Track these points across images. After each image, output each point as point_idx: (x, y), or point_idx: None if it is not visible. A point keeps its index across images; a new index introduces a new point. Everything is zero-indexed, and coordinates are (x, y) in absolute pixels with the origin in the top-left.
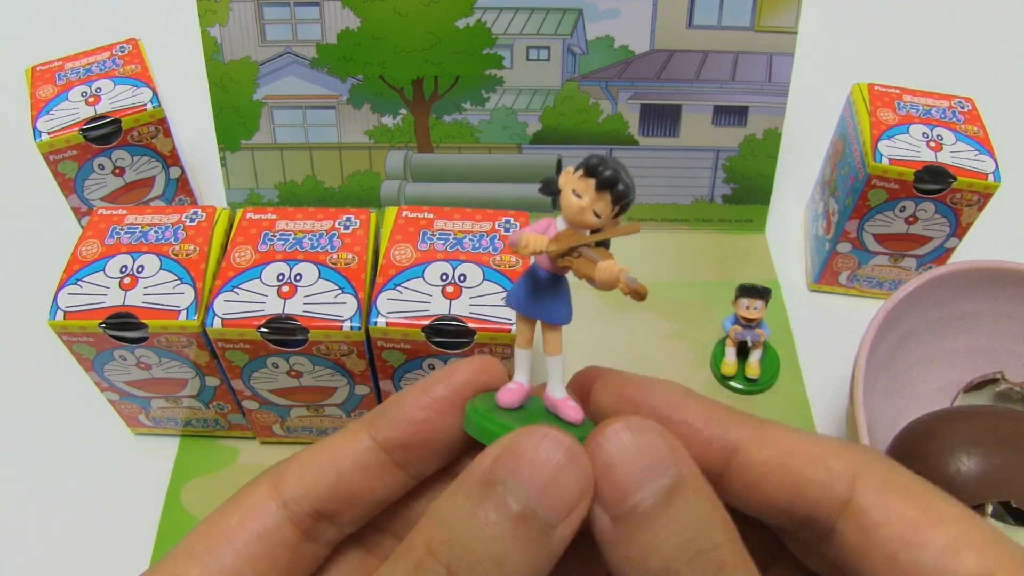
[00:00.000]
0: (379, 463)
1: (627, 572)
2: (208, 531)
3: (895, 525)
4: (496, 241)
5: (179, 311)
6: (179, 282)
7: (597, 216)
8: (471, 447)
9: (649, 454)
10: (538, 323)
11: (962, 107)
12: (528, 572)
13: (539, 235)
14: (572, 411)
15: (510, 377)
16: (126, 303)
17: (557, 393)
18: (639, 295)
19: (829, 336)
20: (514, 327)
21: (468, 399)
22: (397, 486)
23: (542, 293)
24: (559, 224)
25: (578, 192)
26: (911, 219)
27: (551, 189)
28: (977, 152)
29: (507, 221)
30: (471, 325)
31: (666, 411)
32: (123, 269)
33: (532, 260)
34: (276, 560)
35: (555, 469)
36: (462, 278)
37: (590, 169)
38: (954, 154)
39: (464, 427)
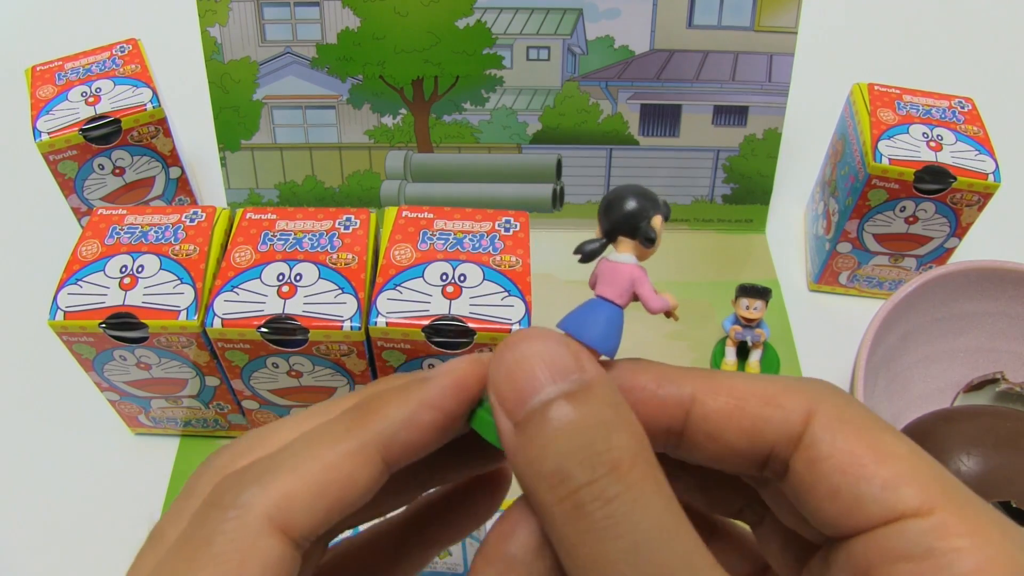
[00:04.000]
0: (380, 477)
1: (525, 477)
2: None
3: (839, 457)
4: (496, 241)
5: (179, 311)
6: (179, 282)
7: None
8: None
9: (550, 360)
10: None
11: (962, 107)
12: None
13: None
14: None
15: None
16: (126, 303)
17: None
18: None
19: (829, 336)
20: (515, 327)
21: (468, 400)
22: (382, 484)
23: (622, 329)
24: (632, 261)
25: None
26: (911, 219)
27: (645, 239)
28: (977, 152)
29: (507, 221)
30: (471, 325)
31: (618, 379)
32: (123, 269)
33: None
34: None
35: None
36: (462, 278)
37: (666, 216)
38: (954, 154)
39: (473, 426)
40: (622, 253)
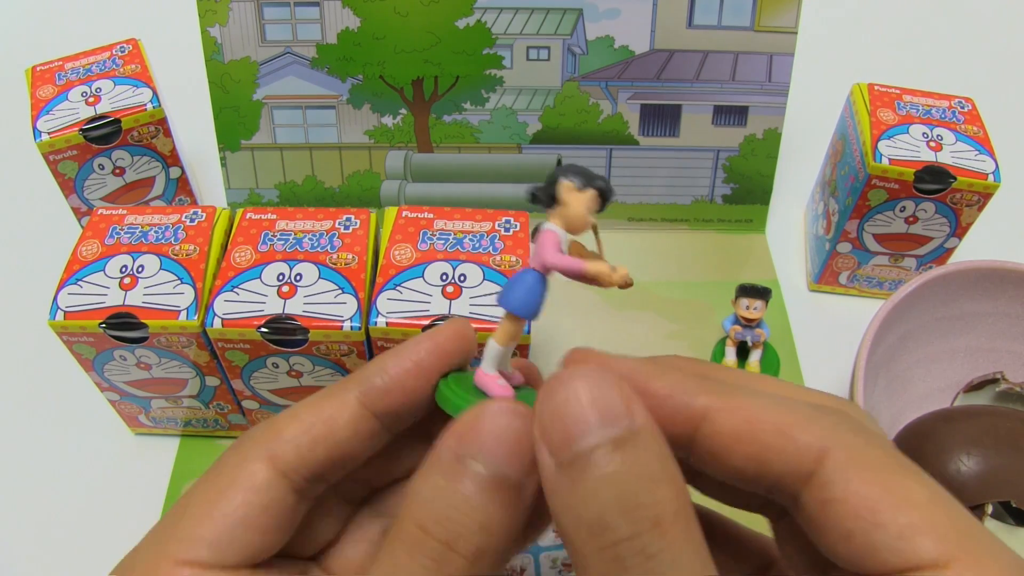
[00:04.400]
0: (369, 429)
1: (564, 520)
2: (210, 513)
3: (853, 502)
4: (496, 241)
5: (179, 311)
6: (179, 282)
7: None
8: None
9: (601, 403)
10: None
11: (962, 107)
12: (510, 528)
13: (602, 263)
14: (501, 389)
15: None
16: (126, 303)
17: (490, 370)
18: (629, 285)
19: (829, 336)
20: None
21: (444, 367)
22: (381, 444)
23: (541, 293)
24: (560, 233)
25: (590, 208)
26: (911, 219)
27: (548, 200)
28: (977, 152)
29: (507, 221)
30: (472, 325)
31: (633, 381)
32: (123, 269)
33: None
34: (276, 523)
35: (515, 433)
36: (462, 278)
37: (602, 193)
38: (954, 154)
39: (437, 400)
40: (548, 220)
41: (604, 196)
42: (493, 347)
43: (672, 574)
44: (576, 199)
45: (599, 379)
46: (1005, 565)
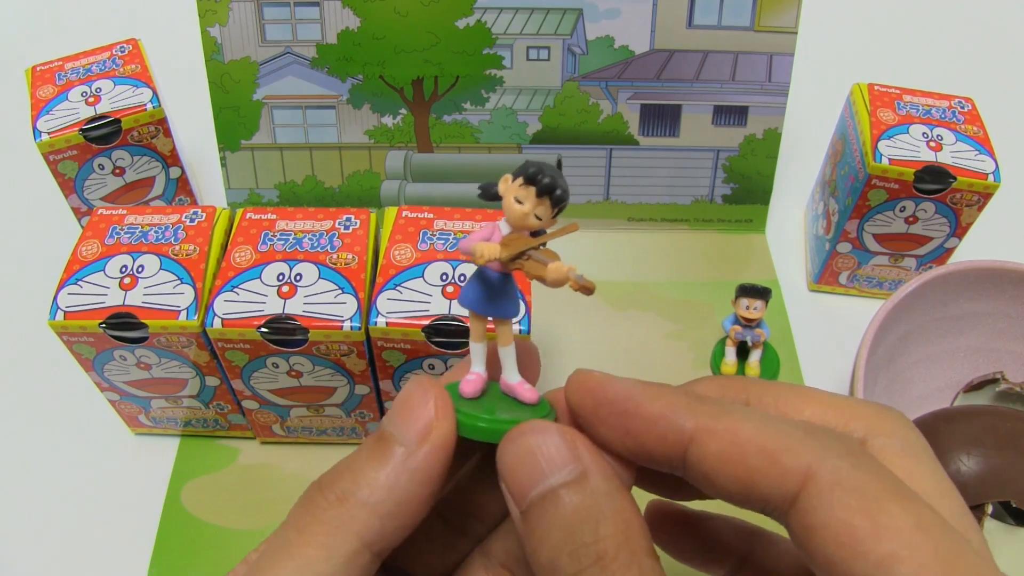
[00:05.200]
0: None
1: (531, 564)
2: None
3: (834, 528)
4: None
5: (179, 311)
6: (179, 282)
7: (539, 219)
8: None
9: (547, 454)
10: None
11: (962, 107)
12: (384, 485)
13: (492, 244)
14: (528, 393)
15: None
16: (126, 303)
17: (513, 378)
18: (587, 290)
19: (829, 336)
20: (515, 327)
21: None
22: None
23: (493, 293)
24: (503, 227)
25: (520, 199)
26: (911, 219)
27: (490, 195)
28: (977, 152)
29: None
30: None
31: (623, 405)
32: (123, 269)
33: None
34: None
35: (410, 401)
36: (462, 278)
37: (529, 178)
38: (954, 154)
39: (462, 433)
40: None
41: (532, 183)
42: (471, 345)
43: None
44: (507, 190)
45: (544, 431)
46: None
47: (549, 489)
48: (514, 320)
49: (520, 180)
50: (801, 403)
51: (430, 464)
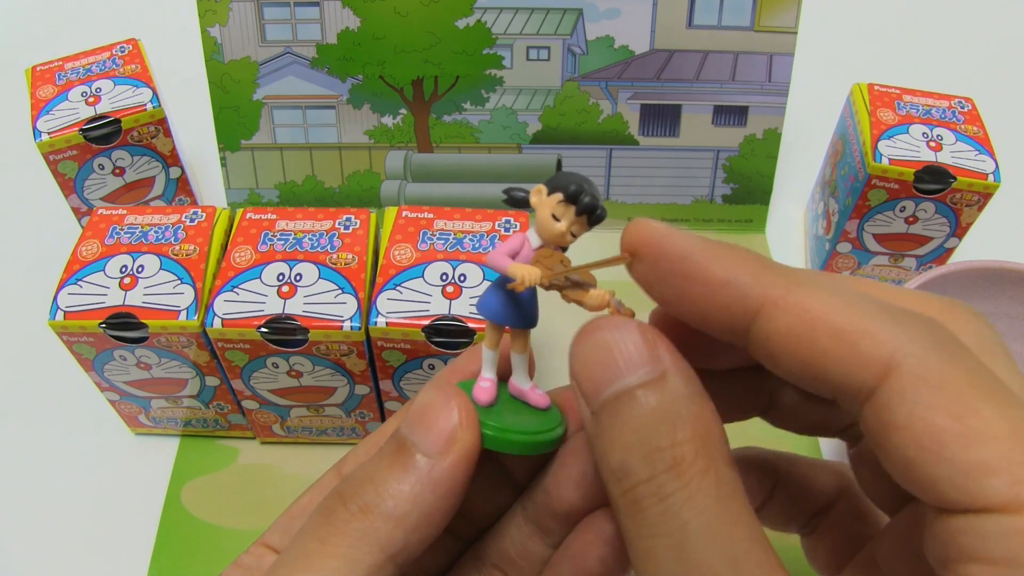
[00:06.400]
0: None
1: (600, 467)
2: None
3: (918, 429)
4: (496, 241)
5: (179, 311)
6: (179, 282)
7: (574, 236)
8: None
9: (625, 350)
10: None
11: (962, 107)
12: (408, 497)
13: (532, 269)
14: (539, 398)
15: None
16: (126, 303)
17: (524, 383)
18: (617, 311)
19: None
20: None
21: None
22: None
23: (517, 304)
24: (532, 239)
25: (557, 216)
26: (911, 219)
27: (517, 202)
28: (977, 152)
29: (507, 221)
30: (471, 325)
31: (684, 267)
32: (123, 269)
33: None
34: None
35: (431, 408)
36: (462, 278)
37: (571, 197)
38: (954, 154)
39: (486, 445)
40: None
41: (573, 201)
42: (483, 351)
43: (685, 514)
44: (541, 204)
45: (622, 327)
46: None
47: (625, 389)
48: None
49: (559, 196)
50: (874, 291)
51: (455, 475)
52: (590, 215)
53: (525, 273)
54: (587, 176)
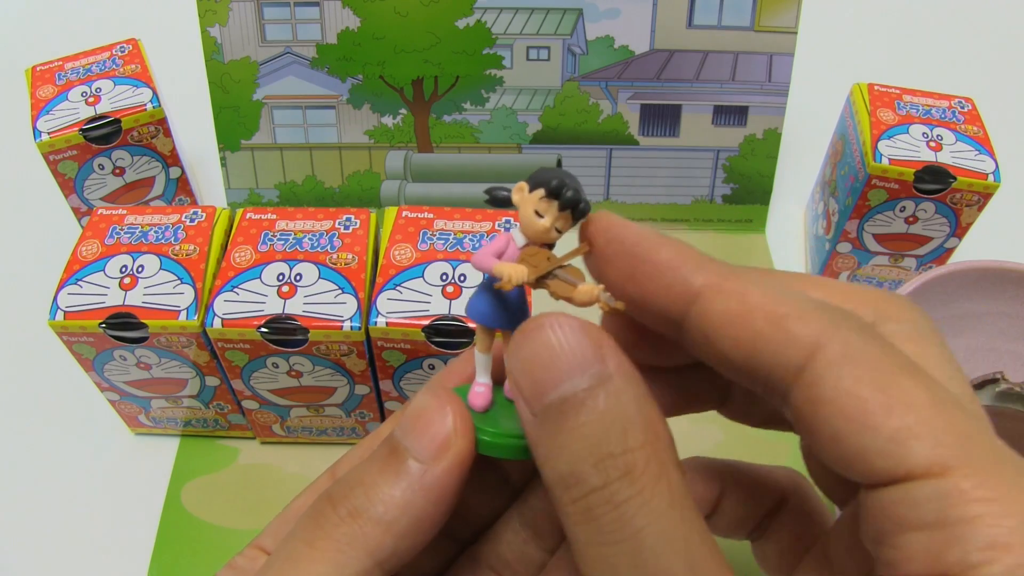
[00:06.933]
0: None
1: (544, 473)
2: None
3: (843, 402)
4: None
5: (179, 311)
6: (179, 282)
7: (559, 232)
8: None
9: (569, 351)
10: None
11: (962, 107)
12: (399, 503)
13: (518, 268)
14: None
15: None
16: (126, 303)
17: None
18: (617, 312)
19: None
20: None
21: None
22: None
23: (506, 305)
24: (517, 238)
25: (540, 212)
26: (911, 219)
27: (500, 201)
28: (977, 152)
29: (507, 221)
30: (471, 325)
31: (633, 247)
32: (123, 269)
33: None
34: None
35: (425, 413)
36: (462, 278)
37: (552, 191)
38: (954, 154)
39: (480, 450)
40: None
41: (555, 196)
42: (475, 356)
43: (638, 519)
44: (524, 201)
45: (566, 325)
46: (1012, 473)
47: (572, 392)
48: None
49: (540, 192)
50: (807, 286)
51: (447, 482)
52: (573, 209)
53: (511, 272)
54: (572, 174)
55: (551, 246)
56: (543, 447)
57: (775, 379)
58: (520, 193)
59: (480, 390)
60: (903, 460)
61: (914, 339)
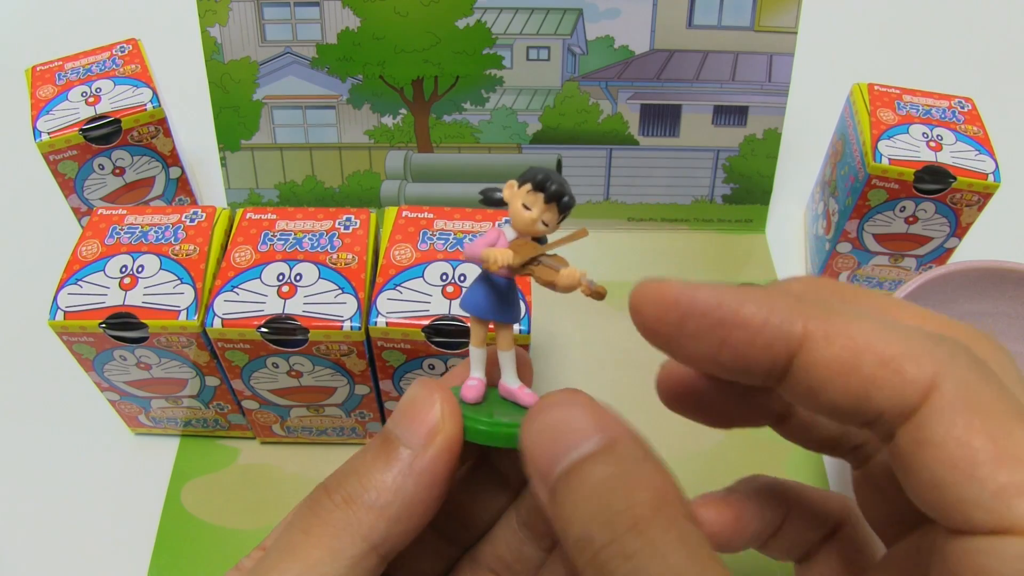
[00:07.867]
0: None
1: (563, 541)
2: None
3: (952, 449)
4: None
5: (179, 311)
6: (179, 282)
7: (545, 225)
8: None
9: (570, 427)
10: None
11: (962, 107)
12: (391, 488)
13: (503, 249)
14: (527, 397)
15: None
16: (126, 303)
17: (513, 383)
18: (599, 295)
19: None
20: (515, 327)
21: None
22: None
23: (498, 297)
24: (508, 232)
25: (527, 205)
26: (911, 219)
27: (492, 201)
28: (977, 152)
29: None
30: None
31: (717, 314)
32: (123, 269)
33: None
34: None
35: (415, 403)
36: (462, 278)
37: (537, 184)
38: (954, 154)
39: (466, 437)
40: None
41: (541, 189)
42: (471, 351)
43: (654, 567)
44: (513, 196)
45: (567, 404)
46: None
47: (576, 462)
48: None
49: (528, 186)
50: (898, 311)
51: (436, 467)
52: (559, 202)
53: (497, 254)
54: (562, 175)
55: (543, 242)
56: (559, 518)
57: (884, 420)
58: (510, 189)
59: (473, 383)
60: (1005, 516)
61: (1003, 378)
